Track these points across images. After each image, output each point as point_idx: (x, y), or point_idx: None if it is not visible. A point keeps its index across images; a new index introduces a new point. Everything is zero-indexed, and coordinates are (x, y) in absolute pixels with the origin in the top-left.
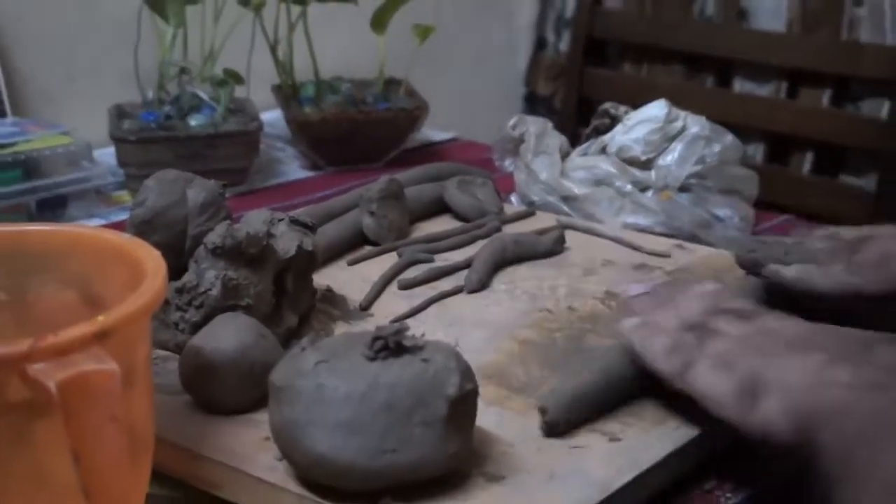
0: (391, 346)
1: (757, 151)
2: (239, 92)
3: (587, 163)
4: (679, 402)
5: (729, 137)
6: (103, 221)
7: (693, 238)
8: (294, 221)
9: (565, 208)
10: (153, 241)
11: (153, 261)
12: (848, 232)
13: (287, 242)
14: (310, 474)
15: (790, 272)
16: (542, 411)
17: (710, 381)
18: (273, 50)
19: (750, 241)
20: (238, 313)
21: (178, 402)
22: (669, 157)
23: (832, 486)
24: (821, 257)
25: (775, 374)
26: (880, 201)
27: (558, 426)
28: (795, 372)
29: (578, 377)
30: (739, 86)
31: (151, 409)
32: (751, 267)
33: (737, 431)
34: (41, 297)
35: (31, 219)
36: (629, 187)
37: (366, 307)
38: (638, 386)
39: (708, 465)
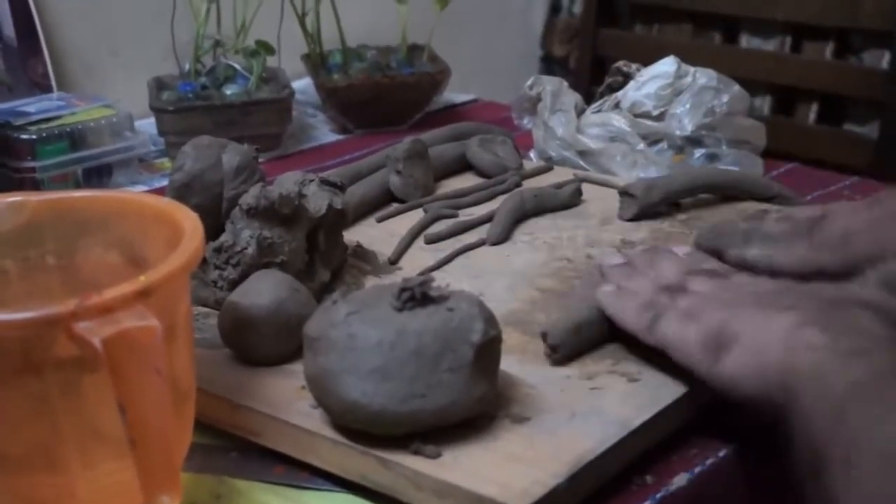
0: (417, 296)
1: (764, 104)
2: (270, 62)
3: (601, 119)
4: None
5: (736, 87)
6: (146, 187)
7: None
8: (324, 182)
9: (581, 163)
10: (191, 204)
11: (191, 222)
12: (802, 212)
13: (318, 202)
14: (343, 420)
15: (752, 252)
16: (544, 336)
17: (676, 330)
18: (301, 21)
19: (707, 229)
20: (273, 270)
21: (218, 356)
22: (680, 108)
23: (815, 455)
24: (780, 239)
25: (744, 328)
26: (881, 148)
27: (558, 349)
28: (767, 329)
29: (578, 311)
30: (746, 41)
31: (192, 363)
32: (713, 254)
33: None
34: (87, 259)
35: (79, 187)
36: (641, 146)
37: (394, 261)
38: None
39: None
